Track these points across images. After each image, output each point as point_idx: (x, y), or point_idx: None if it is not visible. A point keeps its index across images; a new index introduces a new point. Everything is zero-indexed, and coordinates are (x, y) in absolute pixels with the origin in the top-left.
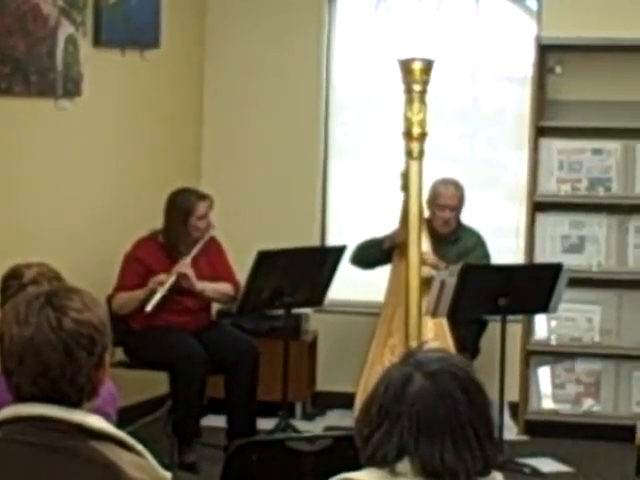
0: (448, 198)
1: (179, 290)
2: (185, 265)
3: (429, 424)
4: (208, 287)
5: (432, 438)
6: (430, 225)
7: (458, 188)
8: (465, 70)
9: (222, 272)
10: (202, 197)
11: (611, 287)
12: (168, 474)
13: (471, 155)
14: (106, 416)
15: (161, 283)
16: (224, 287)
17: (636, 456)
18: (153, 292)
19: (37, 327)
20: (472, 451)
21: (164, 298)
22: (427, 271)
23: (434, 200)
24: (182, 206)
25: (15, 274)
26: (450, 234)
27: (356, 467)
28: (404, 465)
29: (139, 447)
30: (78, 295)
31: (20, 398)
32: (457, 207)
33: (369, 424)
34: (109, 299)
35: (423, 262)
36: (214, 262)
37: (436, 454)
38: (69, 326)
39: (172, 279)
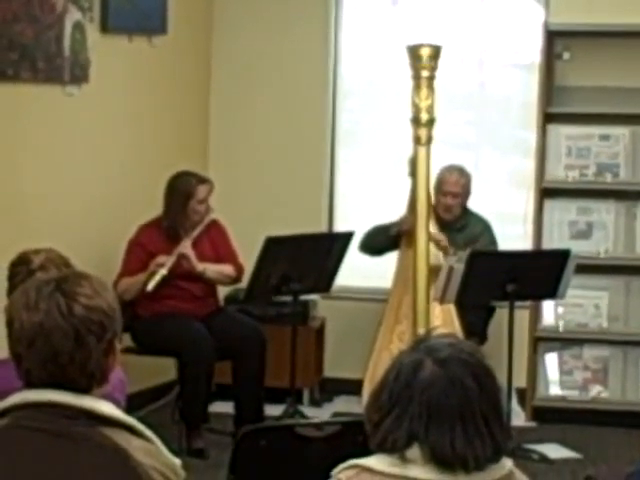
0: (451, 185)
1: (184, 276)
2: (185, 246)
3: (439, 411)
4: (209, 268)
5: (442, 425)
6: (435, 212)
7: (463, 175)
8: (472, 56)
9: (225, 254)
10: (202, 181)
11: (619, 273)
12: (177, 460)
13: (478, 141)
14: (115, 402)
15: (161, 264)
16: (225, 268)
17: None
18: (154, 274)
19: (47, 313)
20: (482, 438)
21: (170, 285)
22: (434, 258)
23: (439, 186)
24: (182, 189)
25: (23, 260)
26: (457, 221)
27: (364, 453)
28: (414, 451)
29: (148, 433)
30: (88, 281)
31: (29, 384)
32: (460, 194)
33: (379, 410)
34: (114, 285)
35: (435, 242)
36: (217, 244)
37: (446, 441)
38: (79, 312)
39: (172, 260)
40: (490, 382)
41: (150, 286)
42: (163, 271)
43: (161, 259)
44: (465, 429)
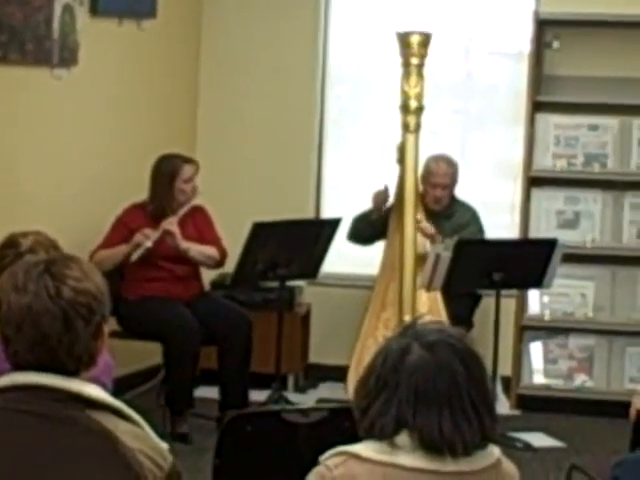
0: (440, 177)
1: (167, 257)
2: (171, 222)
3: (427, 395)
4: (193, 247)
5: (430, 409)
6: (423, 201)
7: (450, 165)
8: (460, 44)
9: (208, 238)
10: (188, 161)
11: (605, 263)
12: (165, 444)
13: (466, 130)
14: (102, 385)
15: (146, 235)
16: (209, 250)
17: (631, 432)
18: (138, 246)
19: (35, 295)
20: (470, 422)
21: (153, 266)
22: (421, 247)
23: (426, 178)
24: (168, 169)
25: (12, 243)
26: (444, 209)
27: (351, 440)
28: (403, 438)
29: (136, 417)
30: (76, 264)
31: (17, 367)
32: (449, 185)
33: (367, 395)
34: (90, 256)
35: (419, 230)
36: (201, 228)
37: (434, 425)
38: (68, 295)
39: (157, 234)
40: (478, 367)
41: (134, 256)
42: (148, 243)
43: (147, 231)
44: (453, 413)
